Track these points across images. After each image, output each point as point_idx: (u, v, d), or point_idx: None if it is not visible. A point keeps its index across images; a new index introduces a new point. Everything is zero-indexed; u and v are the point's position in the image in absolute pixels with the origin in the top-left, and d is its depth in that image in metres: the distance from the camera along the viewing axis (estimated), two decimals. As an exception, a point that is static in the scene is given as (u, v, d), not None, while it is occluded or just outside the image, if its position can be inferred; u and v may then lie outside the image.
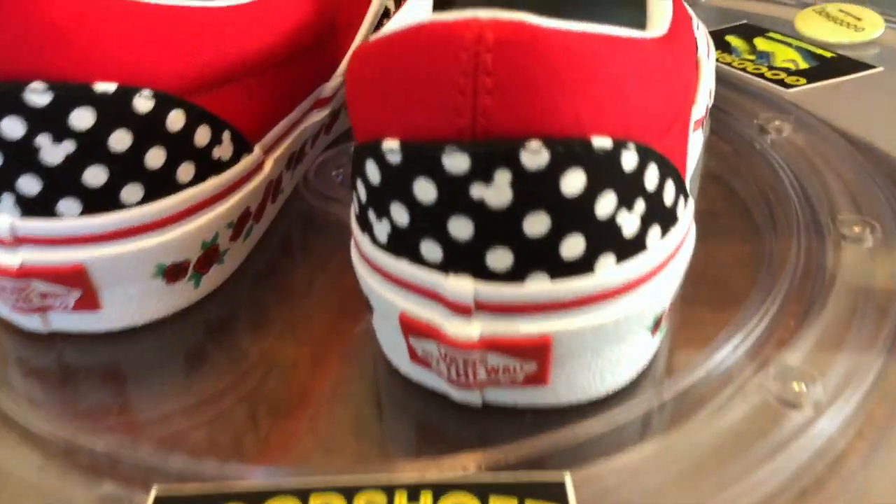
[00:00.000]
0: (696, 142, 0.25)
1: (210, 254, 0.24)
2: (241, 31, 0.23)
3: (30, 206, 0.20)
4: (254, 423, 0.23)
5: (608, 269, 0.17)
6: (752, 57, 0.40)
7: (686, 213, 0.20)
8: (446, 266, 0.17)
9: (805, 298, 0.24)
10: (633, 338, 0.19)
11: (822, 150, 0.32)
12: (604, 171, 0.16)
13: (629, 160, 0.17)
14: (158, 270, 0.22)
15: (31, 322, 0.23)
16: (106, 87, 0.20)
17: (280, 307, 0.26)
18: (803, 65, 0.39)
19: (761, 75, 0.38)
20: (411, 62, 0.16)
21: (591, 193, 0.16)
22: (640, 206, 0.18)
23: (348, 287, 0.26)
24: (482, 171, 0.16)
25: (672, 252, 0.19)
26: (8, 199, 0.20)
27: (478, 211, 0.16)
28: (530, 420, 0.20)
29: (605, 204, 0.17)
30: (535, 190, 0.16)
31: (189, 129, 0.21)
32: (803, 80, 0.37)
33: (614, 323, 0.18)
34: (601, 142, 0.16)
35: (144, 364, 0.24)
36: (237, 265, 0.26)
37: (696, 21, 0.31)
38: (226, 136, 0.23)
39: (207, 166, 0.22)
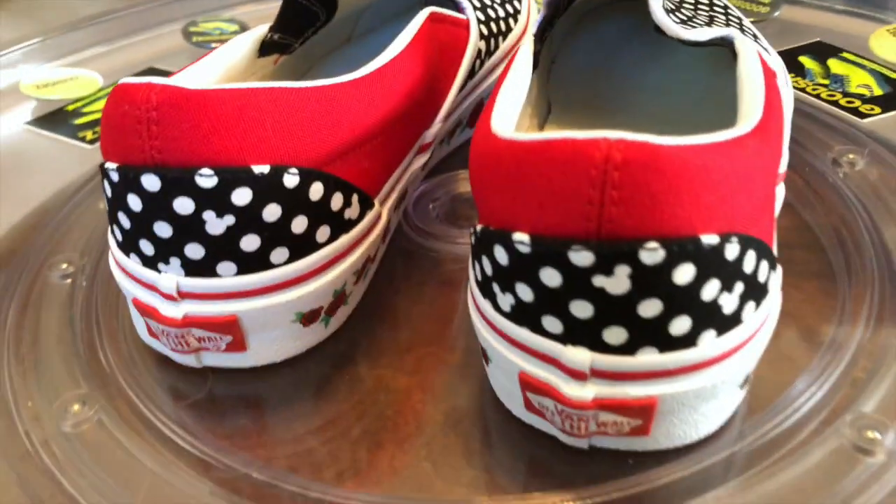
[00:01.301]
0: (779, 195, 0.27)
1: (339, 299, 0.27)
2: (367, 100, 0.26)
3: (193, 268, 0.23)
4: (374, 445, 0.26)
5: (709, 343, 0.20)
6: (825, 81, 0.41)
7: (775, 283, 0.22)
8: (565, 338, 0.20)
9: (878, 349, 0.26)
10: (725, 394, 0.22)
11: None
12: (710, 263, 0.19)
13: (732, 251, 0.19)
14: (297, 317, 0.25)
15: (186, 359, 0.26)
16: (261, 168, 0.22)
17: (389, 337, 0.29)
18: (878, 91, 0.40)
19: (835, 102, 0.39)
20: (544, 172, 0.18)
21: (698, 282, 0.19)
22: (739, 287, 0.20)
23: (440, 316, 0.30)
24: (604, 266, 0.18)
25: (763, 320, 0.21)
26: (175, 262, 0.23)
27: (598, 296, 0.19)
28: (632, 463, 0.23)
29: (710, 290, 0.19)
30: (651, 281, 0.19)
31: (327, 197, 0.24)
32: (878, 109, 0.38)
33: (712, 385, 0.21)
34: (709, 239, 0.19)
35: (280, 393, 0.27)
36: (357, 302, 0.29)
37: (769, 52, 0.32)
38: (354, 198, 0.26)
39: (340, 226, 0.25)
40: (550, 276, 0.19)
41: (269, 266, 0.24)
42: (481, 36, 0.35)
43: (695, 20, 0.29)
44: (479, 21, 0.35)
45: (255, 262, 0.23)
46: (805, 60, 0.43)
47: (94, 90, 0.47)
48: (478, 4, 0.36)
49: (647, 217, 0.18)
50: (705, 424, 0.22)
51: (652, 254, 0.18)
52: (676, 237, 0.18)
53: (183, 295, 0.24)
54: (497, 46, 0.37)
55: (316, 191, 0.24)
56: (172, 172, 0.22)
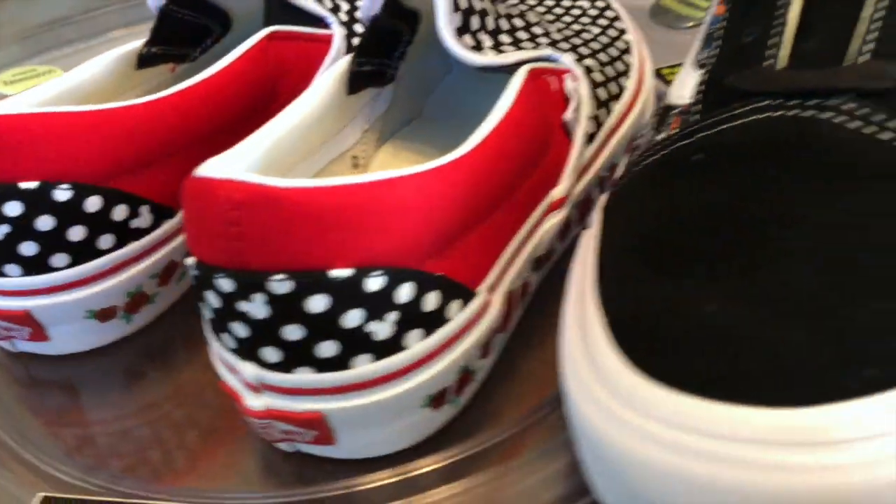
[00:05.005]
0: (551, 220, 0.28)
1: (138, 299, 0.30)
2: (159, 122, 0.28)
3: (-18, 269, 0.27)
4: (191, 426, 0.29)
5: (364, 366, 0.22)
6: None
7: (467, 310, 0.23)
8: (239, 353, 0.22)
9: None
10: (410, 413, 0.23)
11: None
12: (347, 294, 0.21)
13: (375, 283, 0.21)
14: (89, 314, 0.28)
15: (5, 344, 0.30)
16: (29, 185, 0.26)
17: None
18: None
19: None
20: (191, 206, 0.21)
21: (335, 311, 0.21)
22: (392, 316, 0.21)
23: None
24: (243, 293, 0.20)
25: (438, 347, 0.23)
26: (-35, 263, 0.27)
27: (247, 319, 0.21)
28: (330, 468, 0.25)
29: (352, 318, 0.21)
30: (286, 309, 0.20)
31: (106, 209, 0.27)
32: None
33: (380, 404, 0.22)
34: (340, 272, 0.20)
35: (91, 379, 0.30)
36: (172, 302, 0.31)
37: (626, 73, 0.33)
38: (144, 209, 0.28)
39: (127, 235, 0.28)
40: (212, 298, 0.21)
41: (51, 269, 0.27)
42: (351, 49, 0.37)
43: (508, 43, 0.30)
44: (353, 35, 0.37)
45: (36, 266, 0.27)
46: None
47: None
48: (345, 19, 0.37)
49: (273, 251, 0.20)
50: (396, 440, 0.24)
51: (280, 284, 0.20)
52: (305, 270, 0.20)
53: (-21, 292, 0.27)
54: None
55: (92, 204, 0.27)
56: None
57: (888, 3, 0.21)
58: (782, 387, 0.16)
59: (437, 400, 0.24)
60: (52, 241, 0.26)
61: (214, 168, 0.21)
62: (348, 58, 0.30)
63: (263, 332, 0.21)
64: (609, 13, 0.37)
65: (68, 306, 0.28)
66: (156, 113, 0.28)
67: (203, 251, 0.21)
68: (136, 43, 0.35)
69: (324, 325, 0.21)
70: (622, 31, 0.36)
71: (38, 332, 0.28)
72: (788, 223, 0.19)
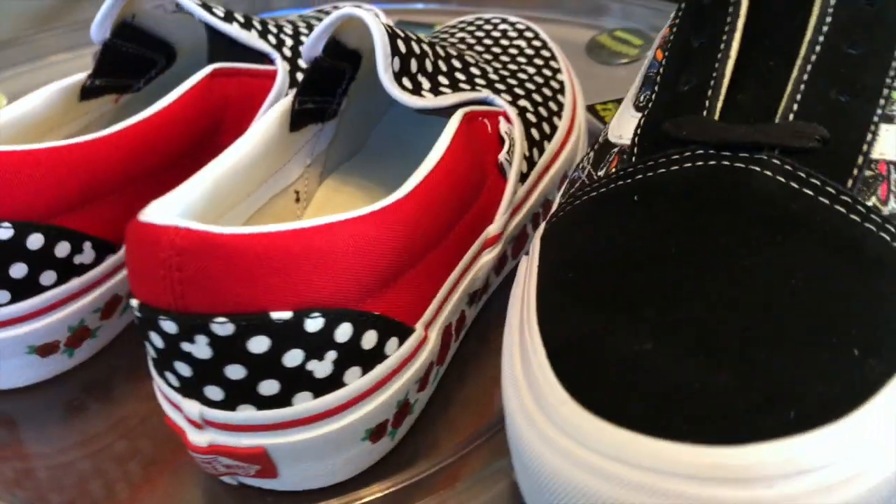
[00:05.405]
0: (485, 258, 0.29)
1: (80, 334, 0.30)
2: (100, 160, 0.29)
3: (-76, 306, 0.27)
4: (132, 458, 0.29)
5: (305, 403, 0.22)
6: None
7: (404, 346, 0.24)
8: (182, 391, 0.23)
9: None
10: (350, 446, 0.24)
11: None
12: (287, 335, 0.21)
13: (314, 324, 0.22)
14: (30, 350, 0.29)
15: (-57, 380, 0.30)
16: (-31, 224, 0.26)
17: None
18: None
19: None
20: (135, 249, 0.21)
21: (276, 351, 0.21)
22: (331, 355, 0.22)
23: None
24: (186, 334, 0.21)
25: (377, 383, 0.24)
26: None
27: (190, 359, 0.22)
28: (271, 500, 0.25)
29: (292, 358, 0.22)
30: (228, 350, 0.21)
31: (48, 246, 0.27)
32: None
33: (321, 438, 0.23)
34: (280, 315, 0.21)
35: (32, 412, 0.31)
36: (114, 336, 0.32)
37: (557, 114, 0.34)
38: (87, 245, 0.29)
39: (69, 271, 0.28)
40: (155, 339, 0.22)
41: (-9, 306, 0.27)
42: (295, 84, 0.38)
43: (446, 85, 0.31)
44: (298, 69, 0.38)
45: (-23, 303, 0.27)
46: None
47: (-3, 111, 0.51)
48: (289, 54, 0.38)
49: (214, 295, 0.21)
50: (339, 472, 0.25)
51: (222, 327, 0.21)
52: (246, 313, 0.21)
53: (-79, 325, 0.27)
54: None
55: (34, 241, 0.27)
56: None
57: (811, 70, 0.23)
58: (713, 426, 0.18)
59: (376, 433, 0.25)
60: (-6, 279, 0.27)
61: (157, 213, 0.21)
62: (290, 97, 0.31)
63: (206, 372, 0.22)
64: (545, 52, 0.38)
65: (9, 343, 0.28)
66: (97, 151, 0.29)
67: (146, 294, 0.21)
68: (81, 75, 0.35)
69: (265, 365, 0.22)
70: (556, 71, 0.37)
71: (-22, 369, 0.29)
72: (714, 267, 0.20)
